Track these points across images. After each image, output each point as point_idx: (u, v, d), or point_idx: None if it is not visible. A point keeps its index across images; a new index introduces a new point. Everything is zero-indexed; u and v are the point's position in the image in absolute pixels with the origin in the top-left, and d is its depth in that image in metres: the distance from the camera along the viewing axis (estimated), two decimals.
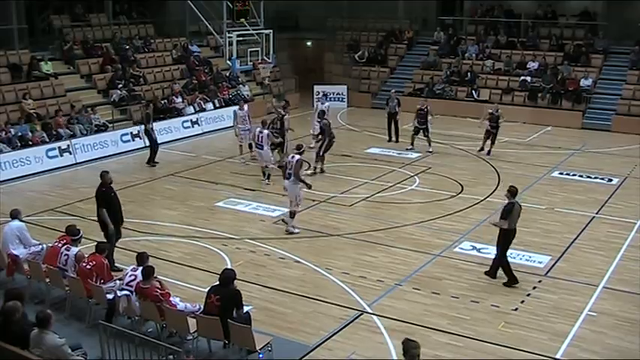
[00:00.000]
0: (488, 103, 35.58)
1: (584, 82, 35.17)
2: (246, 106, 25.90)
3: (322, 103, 27.27)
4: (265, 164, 22.68)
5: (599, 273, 15.80)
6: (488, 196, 21.59)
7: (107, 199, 15.51)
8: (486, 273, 15.49)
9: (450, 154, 27.30)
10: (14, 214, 14.85)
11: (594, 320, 13.58)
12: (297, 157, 18.18)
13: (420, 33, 42.90)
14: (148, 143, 26.13)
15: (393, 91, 31.97)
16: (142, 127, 26.18)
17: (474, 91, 36.48)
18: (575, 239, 18.06)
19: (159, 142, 25.95)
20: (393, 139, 29.00)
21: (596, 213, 20.25)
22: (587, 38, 37.98)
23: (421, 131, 27.02)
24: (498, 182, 23.12)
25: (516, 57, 38.09)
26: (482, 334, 12.92)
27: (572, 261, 16.58)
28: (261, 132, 22.40)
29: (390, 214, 19.86)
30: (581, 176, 24.21)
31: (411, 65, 40.52)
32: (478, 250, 17.08)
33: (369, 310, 13.85)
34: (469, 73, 37.40)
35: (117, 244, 15.93)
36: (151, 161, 25.43)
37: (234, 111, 26.06)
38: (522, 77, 36.38)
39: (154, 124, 26.12)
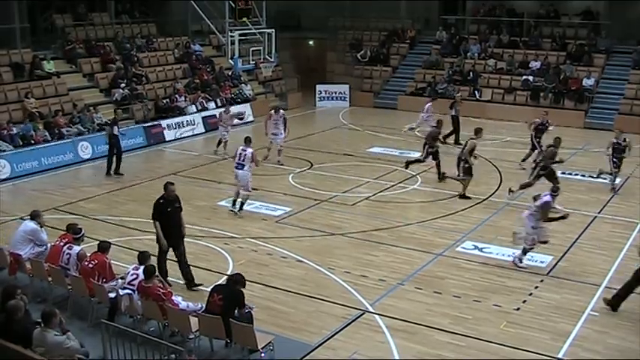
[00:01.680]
0: (490, 102, 35.70)
1: (586, 82, 35.16)
2: (281, 111, 25.85)
3: None
4: (241, 187, 19.71)
5: (601, 272, 15.80)
6: (490, 196, 21.59)
7: (162, 212, 14.51)
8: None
9: (451, 153, 27.24)
10: (33, 215, 14.74)
11: (596, 320, 13.58)
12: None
13: (423, 32, 42.90)
14: (113, 150, 23.96)
15: (458, 94, 31.72)
16: (108, 130, 24.59)
17: (476, 91, 36.47)
18: (578, 239, 18.06)
19: (163, 140, 25.84)
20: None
21: (599, 213, 20.25)
22: (590, 38, 37.97)
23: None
24: (500, 182, 23.12)
25: (519, 56, 38.10)
26: (485, 333, 12.92)
27: (574, 261, 16.58)
28: (244, 150, 19.55)
29: (392, 214, 19.86)
30: (583, 176, 24.20)
31: (413, 65, 40.52)
32: (480, 250, 17.09)
33: (371, 310, 13.85)
34: (471, 73, 37.40)
35: (119, 243, 15.93)
36: (116, 171, 23.93)
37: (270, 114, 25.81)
38: (525, 77, 36.38)
39: (156, 122, 26.06)
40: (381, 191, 21.89)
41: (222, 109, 27.21)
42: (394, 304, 14.15)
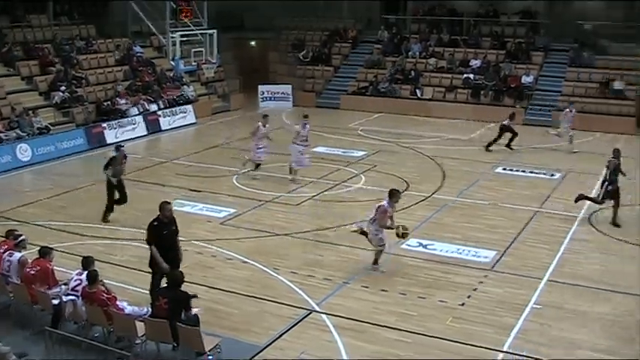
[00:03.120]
0: (432, 101, 36.06)
1: (525, 79, 35.80)
2: (268, 125, 23.53)
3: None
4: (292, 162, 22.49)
5: (543, 266, 16.07)
6: (433, 193, 21.80)
7: (158, 234, 13.31)
8: None
9: (395, 152, 27.50)
10: None
11: (539, 313, 13.81)
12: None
13: (364, 32, 43.15)
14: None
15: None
16: None
17: (417, 90, 36.78)
18: (520, 234, 18.34)
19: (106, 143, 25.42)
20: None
21: (540, 207, 20.60)
22: (528, 36, 38.63)
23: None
24: (443, 179, 23.38)
25: (459, 55, 38.58)
26: (431, 329, 13.05)
27: (517, 255, 16.84)
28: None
29: (336, 213, 19.92)
30: (524, 171, 24.61)
31: (355, 64, 40.73)
32: (425, 247, 17.24)
33: (318, 309, 13.88)
34: (413, 72, 37.72)
35: (62, 249, 15.67)
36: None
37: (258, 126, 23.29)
38: (465, 75, 36.87)
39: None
40: (325, 191, 21.94)
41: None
42: (341, 302, 14.20)
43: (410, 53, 39.44)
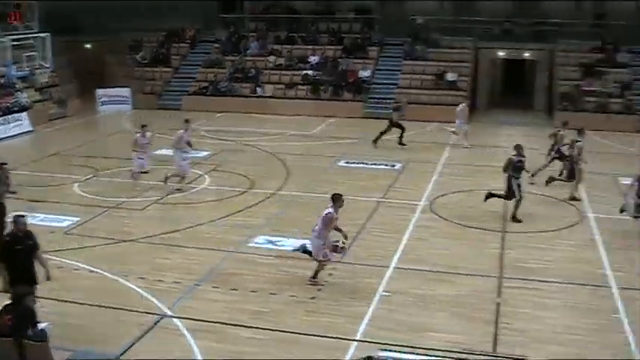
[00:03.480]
0: (272, 98, 36.31)
1: (362, 74, 36.70)
2: (148, 134, 22.53)
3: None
4: None
5: (389, 254, 16.56)
6: (278, 190, 21.99)
7: (9, 250, 12.34)
8: None
9: (238, 150, 27.52)
10: None
11: (388, 299, 14.23)
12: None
13: (202, 32, 42.86)
14: None
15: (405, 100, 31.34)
16: None
17: (258, 88, 36.94)
18: (365, 224, 18.81)
19: None
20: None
21: (383, 198, 21.19)
22: (364, 32, 39.63)
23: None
24: (287, 175, 23.61)
25: (297, 52, 39.06)
26: (285, 324, 13.16)
27: (364, 245, 17.26)
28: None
29: (182, 215, 19.72)
30: (366, 164, 25.22)
31: (194, 64, 40.47)
32: (273, 243, 17.35)
33: (170, 314, 13.70)
34: (252, 70, 37.85)
35: None
36: None
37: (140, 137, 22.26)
38: (304, 71, 37.35)
39: None
40: (169, 194, 21.65)
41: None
42: (193, 305, 14.07)
43: (248, 52, 39.56)
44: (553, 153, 23.18)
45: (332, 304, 14.00)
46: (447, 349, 12.26)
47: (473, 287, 14.86)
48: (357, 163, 25.36)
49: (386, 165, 24.93)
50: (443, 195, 21.29)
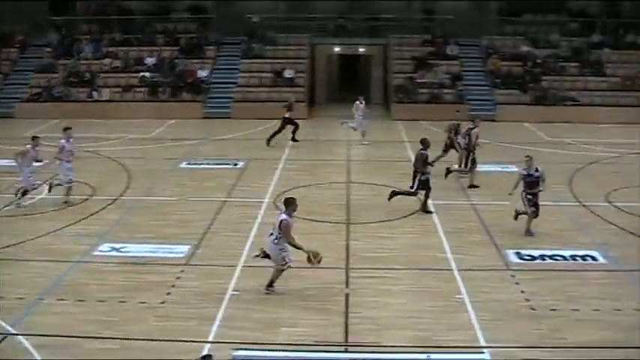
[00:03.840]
0: (110, 102, 35.45)
1: (200, 74, 36.48)
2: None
3: None
4: None
5: (237, 253, 16.54)
6: (121, 195, 21.50)
7: None
8: None
9: (77, 157, 26.63)
10: None
11: (239, 298, 14.22)
12: None
13: (33, 35, 41.06)
14: None
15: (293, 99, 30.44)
16: None
17: (94, 91, 35.94)
18: (211, 225, 18.71)
19: None
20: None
21: (227, 197, 21.16)
22: (200, 31, 39.36)
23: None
24: (129, 180, 23.14)
25: (133, 53, 38.33)
26: (135, 332, 12.88)
27: (211, 246, 17.17)
28: None
29: (21, 227, 18.87)
30: (208, 164, 25.09)
31: (26, 70, 38.73)
32: (118, 250, 16.94)
33: (14, 331, 13.11)
34: (88, 73, 36.78)
35: None
36: None
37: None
38: (141, 73, 36.67)
39: None
40: (5, 206, 20.67)
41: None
42: (38, 320, 13.51)
43: (82, 55, 38.40)
44: (456, 144, 23.87)
45: (182, 308, 13.85)
46: (300, 342, 12.41)
47: (321, 280, 15.09)
48: (200, 164, 25.19)
49: (228, 164, 24.90)
50: (287, 191, 21.48)
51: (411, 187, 19.92)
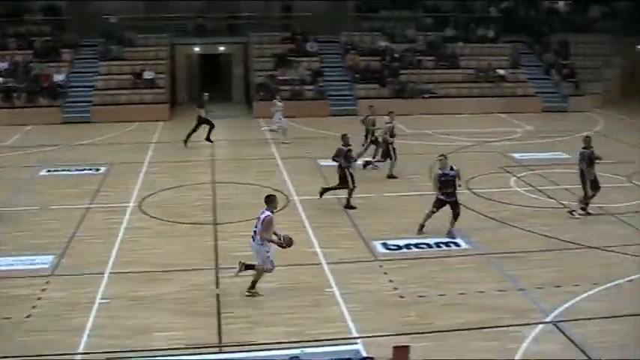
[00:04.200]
0: None
1: (57, 78, 35.39)
2: None
3: None
4: None
5: (104, 260, 16.20)
6: None
7: None
8: None
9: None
10: None
11: (108, 306, 13.95)
12: None
13: None
14: None
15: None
16: None
17: None
18: (76, 233, 18.23)
19: None
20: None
21: (91, 203, 20.66)
22: (55, 34, 38.13)
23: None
24: None
25: None
26: (2, 350, 12.41)
27: (76, 255, 16.72)
28: None
29: None
30: (69, 170, 24.40)
31: None
32: None
33: None
34: None
35: None
36: None
37: None
38: None
39: None
40: None
41: None
42: None
43: None
44: (371, 137, 24.64)
45: (50, 320, 13.44)
46: (173, 347, 12.32)
47: (191, 282, 15.02)
48: (61, 171, 24.44)
49: (90, 169, 24.30)
50: (151, 194, 21.24)
51: (351, 184, 20.13)
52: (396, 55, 38.22)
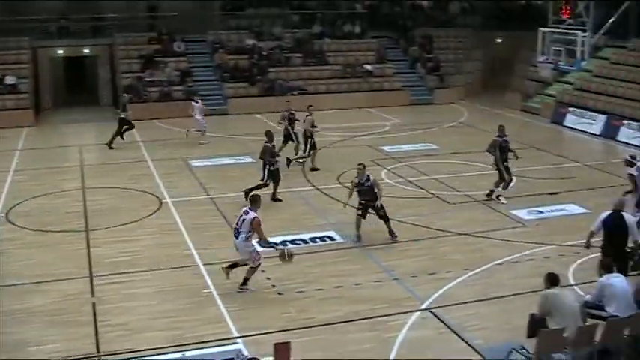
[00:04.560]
0: None
1: None
2: None
3: None
4: None
5: None
6: None
7: None
8: None
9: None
10: None
11: None
12: None
13: None
14: None
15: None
16: None
17: None
18: None
19: None
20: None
21: None
22: None
23: None
24: None
25: None
26: None
27: None
28: None
29: None
30: None
31: None
32: None
33: None
34: None
35: None
36: None
37: None
38: None
39: None
40: None
41: None
42: None
43: None
44: (293, 133, 24.72)
45: None
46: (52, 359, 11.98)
47: (65, 292, 14.61)
48: None
49: None
50: (19, 203, 20.49)
51: (262, 180, 20.18)
52: (264, 53, 38.27)
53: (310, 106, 24.69)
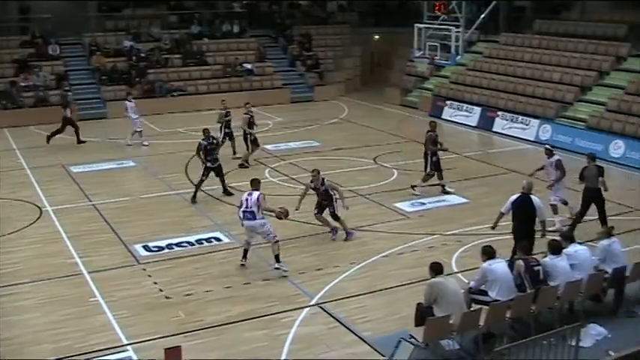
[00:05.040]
0: None
1: None
2: None
3: None
4: None
5: None
6: None
7: None
8: None
9: None
10: None
11: None
12: None
13: None
14: None
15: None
16: None
17: None
18: None
19: None
20: None
21: None
22: None
23: None
24: None
25: None
26: None
27: None
28: None
29: None
30: None
31: None
32: None
33: None
34: None
35: None
36: None
37: None
38: None
39: None
40: None
41: None
42: None
43: None
44: (225, 130, 24.99)
45: None
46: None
47: None
48: None
49: None
50: None
51: (203, 176, 20.65)
52: (143, 55, 37.67)
53: (247, 103, 25.21)
